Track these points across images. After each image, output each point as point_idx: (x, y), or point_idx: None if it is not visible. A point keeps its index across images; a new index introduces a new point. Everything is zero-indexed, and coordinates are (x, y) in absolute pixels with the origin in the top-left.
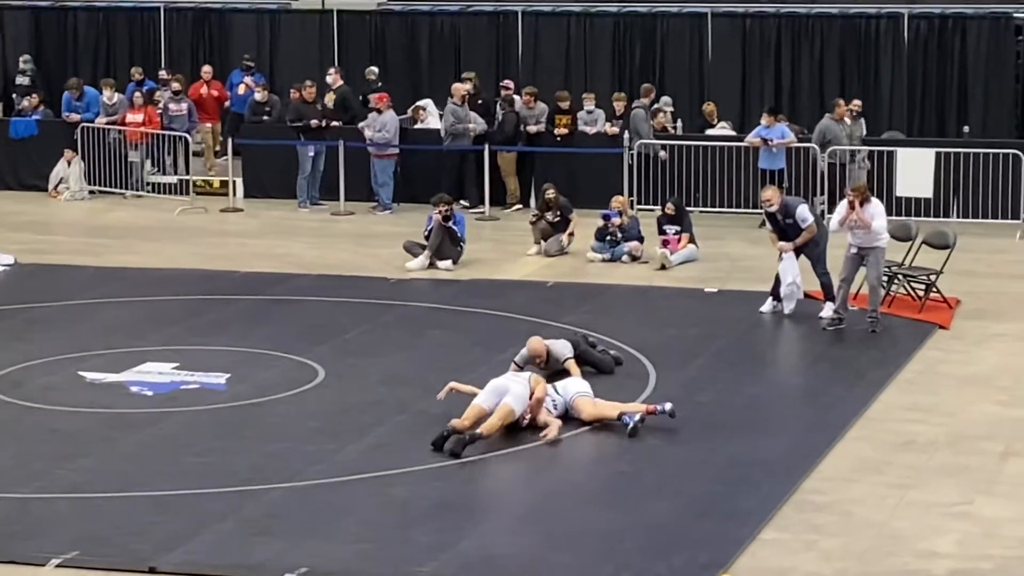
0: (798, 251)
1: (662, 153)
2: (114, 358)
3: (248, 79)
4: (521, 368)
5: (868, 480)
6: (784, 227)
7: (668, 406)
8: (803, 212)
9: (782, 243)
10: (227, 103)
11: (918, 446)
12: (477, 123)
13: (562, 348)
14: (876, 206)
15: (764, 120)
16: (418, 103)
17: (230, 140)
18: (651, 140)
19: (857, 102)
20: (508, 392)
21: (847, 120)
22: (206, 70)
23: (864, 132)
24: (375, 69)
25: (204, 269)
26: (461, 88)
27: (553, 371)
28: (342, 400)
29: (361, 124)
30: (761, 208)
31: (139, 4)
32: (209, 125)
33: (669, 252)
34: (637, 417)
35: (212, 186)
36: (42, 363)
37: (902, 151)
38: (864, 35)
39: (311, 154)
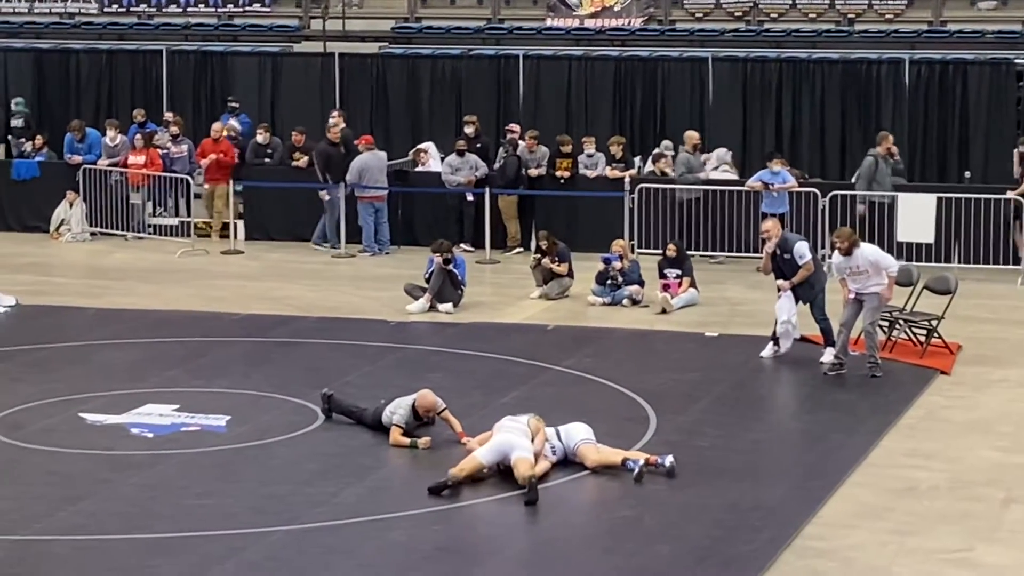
0: (795, 293)
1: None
2: (114, 400)
3: (232, 121)
4: (406, 431)
5: (869, 526)
6: (781, 263)
7: (669, 461)
8: (801, 248)
9: (780, 281)
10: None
11: (919, 492)
12: (478, 167)
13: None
14: (868, 249)
15: (776, 165)
16: (419, 146)
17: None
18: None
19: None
20: (514, 449)
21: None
22: (216, 128)
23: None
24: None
25: (205, 311)
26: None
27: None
28: (342, 443)
29: None
30: (761, 238)
31: (141, 46)
32: (208, 186)
33: (670, 296)
34: (641, 462)
35: (213, 228)
36: (42, 405)
37: (903, 196)
38: (865, 80)
39: (327, 199)
